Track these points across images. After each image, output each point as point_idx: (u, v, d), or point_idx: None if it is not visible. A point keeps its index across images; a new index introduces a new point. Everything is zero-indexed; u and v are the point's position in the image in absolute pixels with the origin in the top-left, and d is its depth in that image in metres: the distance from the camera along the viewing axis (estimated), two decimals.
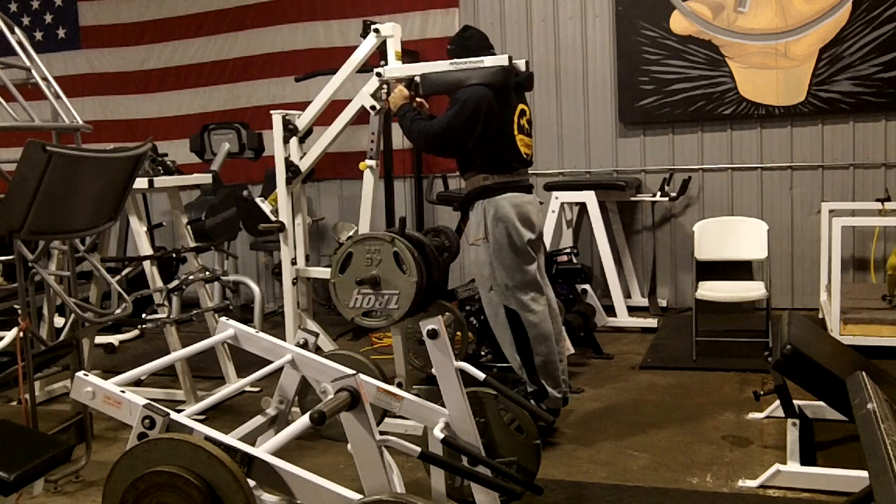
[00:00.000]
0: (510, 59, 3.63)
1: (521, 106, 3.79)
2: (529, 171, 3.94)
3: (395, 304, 3.68)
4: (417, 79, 3.86)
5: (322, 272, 4.24)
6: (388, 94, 3.97)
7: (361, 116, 4.16)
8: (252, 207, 4.97)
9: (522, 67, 3.78)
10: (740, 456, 3.43)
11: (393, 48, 4.09)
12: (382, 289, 3.69)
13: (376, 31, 4.09)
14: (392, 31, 4.08)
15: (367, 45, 4.12)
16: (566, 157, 6.58)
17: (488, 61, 3.65)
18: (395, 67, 4.01)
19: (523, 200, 3.72)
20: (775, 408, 3.75)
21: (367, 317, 3.76)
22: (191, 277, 4.53)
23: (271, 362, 2.73)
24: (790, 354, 3.08)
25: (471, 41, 3.86)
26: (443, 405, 2.56)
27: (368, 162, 4.12)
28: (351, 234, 4.17)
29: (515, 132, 3.72)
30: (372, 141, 4.13)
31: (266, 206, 4.50)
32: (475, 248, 3.75)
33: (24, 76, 3.76)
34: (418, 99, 3.91)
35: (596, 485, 3.20)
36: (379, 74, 3.97)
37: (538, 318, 3.68)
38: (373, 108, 4.03)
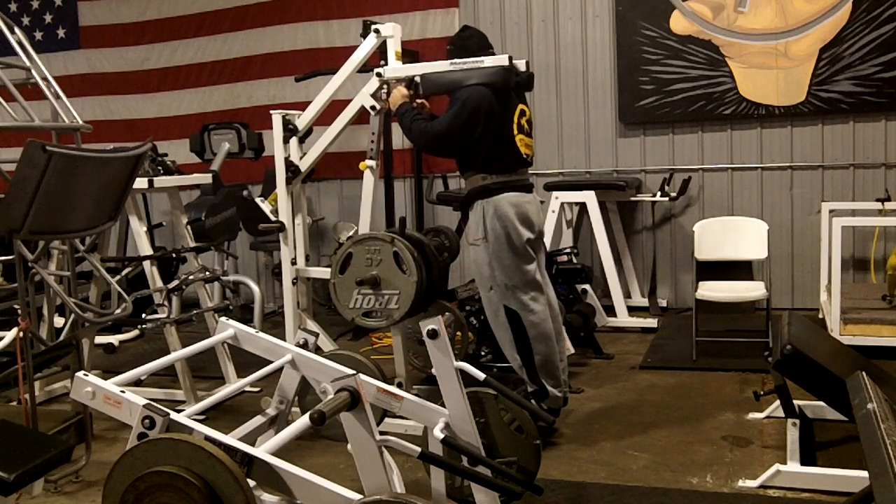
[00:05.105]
0: (510, 59, 3.63)
1: (520, 106, 3.79)
2: (530, 171, 3.94)
3: (395, 304, 3.68)
4: (417, 79, 3.86)
5: (322, 272, 4.25)
6: (389, 94, 3.97)
7: (362, 117, 4.16)
8: (252, 208, 4.97)
9: (522, 67, 3.78)
10: (740, 456, 3.43)
11: (393, 48, 4.09)
12: (382, 289, 3.69)
13: (376, 31, 4.08)
14: (392, 31, 4.08)
15: (368, 46, 4.12)
16: (566, 157, 6.58)
17: (488, 61, 3.65)
18: (395, 67, 4.01)
19: (523, 200, 3.72)
20: (775, 408, 3.75)
21: (367, 317, 3.76)
22: (191, 277, 4.53)
23: (271, 362, 2.73)
24: (790, 354, 3.08)
25: (470, 41, 3.86)
26: (443, 405, 2.56)
27: (368, 162, 4.12)
28: (351, 234, 4.17)
29: (515, 132, 3.72)
30: (372, 141, 4.13)
31: (266, 207, 4.51)
32: (475, 247, 3.75)
33: (24, 76, 3.76)
34: (420, 100, 3.91)
35: (596, 485, 3.20)
36: (379, 75, 3.96)
37: (538, 318, 3.68)
38: (373, 108, 4.03)
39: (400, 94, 3.86)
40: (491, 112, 3.62)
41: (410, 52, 5.91)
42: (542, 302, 3.74)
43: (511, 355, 3.76)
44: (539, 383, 3.72)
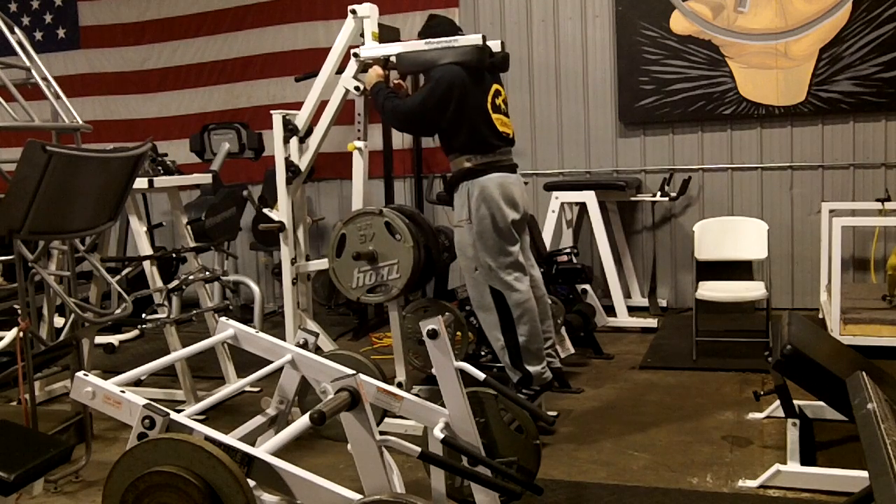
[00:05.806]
0: (484, 38, 3.68)
1: (495, 86, 3.82)
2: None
3: (395, 273, 3.73)
4: (393, 59, 3.88)
5: (321, 264, 4.25)
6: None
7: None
8: (263, 218, 5.00)
9: (497, 48, 3.81)
10: (740, 456, 3.43)
11: (370, 28, 4.11)
12: (380, 262, 3.74)
13: (353, 11, 4.11)
14: (369, 11, 4.10)
15: (347, 29, 4.15)
16: (566, 157, 6.57)
17: (462, 40, 3.70)
18: (371, 47, 4.03)
19: (507, 181, 3.75)
20: (775, 408, 3.75)
21: (372, 293, 3.79)
22: (191, 277, 4.53)
23: (271, 362, 2.73)
24: (790, 354, 3.08)
25: (439, 28, 3.92)
26: (443, 405, 2.56)
27: (357, 143, 4.14)
28: None
29: (490, 111, 3.74)
30: (359, 122, 4.15)
31: (274, 215, 4.51)
32: (459, 229, 3.78)
33: (24, 76, 3.76)
34: (396, 80, 3.94)
35: (596, 485, 3.20)
36: (356, 55, 3.99)
37: (523, 297, 3.70)
38: (356, 88, 4.04)
39: (375, 73, 3.91)
40: (465, 90, 3.65)
41: None
42: (526, 282, 3.77)
43: (494, 336, 3.77)
44: (522, 369, 3.73)
